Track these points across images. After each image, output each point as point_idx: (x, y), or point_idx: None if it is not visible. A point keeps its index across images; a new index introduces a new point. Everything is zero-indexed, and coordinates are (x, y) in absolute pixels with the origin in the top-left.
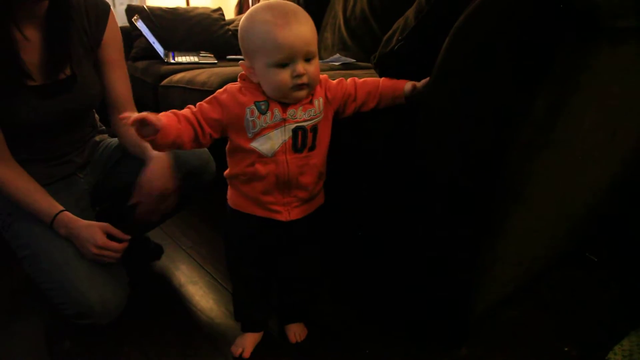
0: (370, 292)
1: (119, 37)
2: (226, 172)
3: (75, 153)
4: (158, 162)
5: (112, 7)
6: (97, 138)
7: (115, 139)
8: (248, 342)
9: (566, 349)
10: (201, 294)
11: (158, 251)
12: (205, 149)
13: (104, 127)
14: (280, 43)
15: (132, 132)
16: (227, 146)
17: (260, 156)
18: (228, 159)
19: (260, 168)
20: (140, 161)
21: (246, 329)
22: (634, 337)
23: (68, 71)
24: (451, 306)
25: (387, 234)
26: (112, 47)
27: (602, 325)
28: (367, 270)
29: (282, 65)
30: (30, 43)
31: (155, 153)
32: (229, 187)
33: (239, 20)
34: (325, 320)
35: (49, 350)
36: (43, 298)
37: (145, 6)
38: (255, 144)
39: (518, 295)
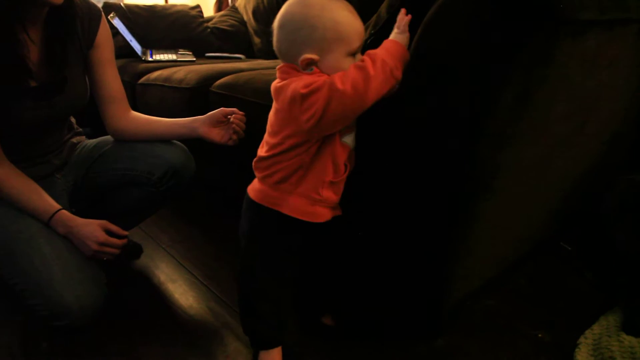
0: (346, 287)
1: (110, 38)
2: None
3: (54, 154)
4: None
5: None
6: (75, 140)
7: (93, 140)
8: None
9: (540, 335)
10: (181, 292)
11: (137, 250)
12: (185, 147)
13: (80, 130)
14: (360, 31)
15: (126, 124)
16: (312, 153)
17: (347, 151)
18: (315, 168)
19: (348, 164)
20: (117, 160)
21: (273, 345)
22: (604, 322)
23: (49, 76)
24: (426, 297)
25: (361, 228)
26: (105, 47)
27: (575, 312)
28: (343, 265)
29: (354, 54)
30: (33, 44)
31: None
32: (305, 201)
33: (218, 18)
34: (304, 318)
35: (25, 352)
36: (17, 300)
37: (122, 4)
38: (346, 139)
39: (494, 284)
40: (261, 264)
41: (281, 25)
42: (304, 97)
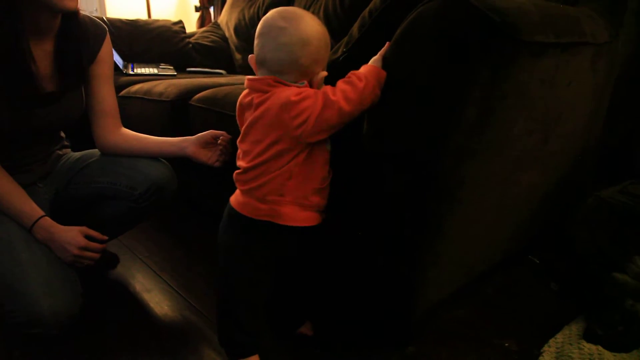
0: (318, 294)
1: (112, 55)
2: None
3: (38, 163)
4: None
5: None
6: (61, 152)
7: (78, 153)
8: None
9: (506, 344)
10: (156, 301)
11: (113, 260)
12: (168, 165)
13: (68, 143)
14: None
15: (116, 139)
16: (300, 162)
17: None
18: (304, 176)
19: (331, 170)
20: (101, 173)
21: (251, 353)
22: (567, 331)
23: (53, 86)
24: (395, 306)
25: (330, 237)
26: (105, 63)
27: (541, 322)
28: (315, 273)
29: None
30: (44, 55)
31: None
32: (296, 208)
33: (200, 34)
34: (273, 323)
35: None
36: None
37: (104, 17)
38: (327, 146)
39: (463, 295)
40: (248, 274)
41: (307, 42)
42: (295, 103)
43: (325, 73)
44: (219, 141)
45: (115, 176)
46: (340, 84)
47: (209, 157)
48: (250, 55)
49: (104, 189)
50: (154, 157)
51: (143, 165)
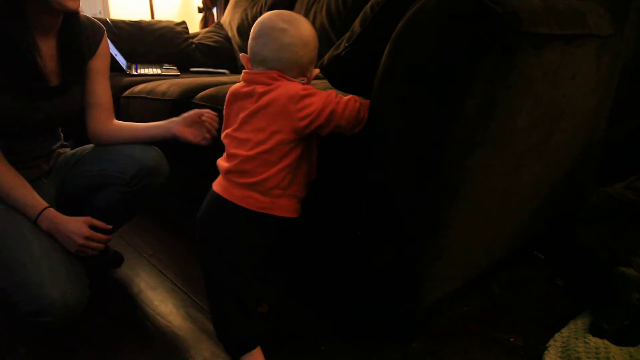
0: (324, 290)
1: (109, 53)
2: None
3: (42, 159)
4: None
5: None
6: (61, 150)
7: (73, 149)
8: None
9: (512, 339)
10: (160, 299)
11: (117, 259)
12: (158, 149)
13: (66, 143)
14: None
15: (108, 130)
16: (297, 156)
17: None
18: (301, 171)
19: None
20: (92, 163)
21: (249, 347)
22: (573, 326)
23: (57, 80)
24: (399, 302)
25: (335, 231)
26: (104, 58)
27: (546, 317)
28: (322, 269)
29: None
30: (49, 52)
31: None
32: (293, 201)
33: (203, 34)
34: (282, 319)
35: (2, 358)
36: None
37: (107, 19)
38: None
39: (467, 291)
40: (247, 262)
41: (307, 42)
42: (303, 97)
43: (317, 70)
44: (204, 117)
45: (105, 163)
46: (344, 97)
47: (195, 135)
48: (242, 54)
49: (95, 177)
50: (144, 142)
51: (131, 149)
